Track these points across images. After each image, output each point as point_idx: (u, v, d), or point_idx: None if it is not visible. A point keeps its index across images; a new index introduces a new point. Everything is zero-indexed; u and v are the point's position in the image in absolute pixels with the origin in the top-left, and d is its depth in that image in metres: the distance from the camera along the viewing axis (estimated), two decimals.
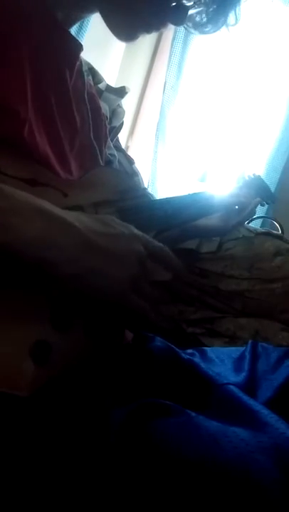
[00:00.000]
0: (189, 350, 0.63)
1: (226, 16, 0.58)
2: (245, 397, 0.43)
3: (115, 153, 0.74)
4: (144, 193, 0.61)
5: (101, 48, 1.44)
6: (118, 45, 1.80)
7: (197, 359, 0.57)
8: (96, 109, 0.65)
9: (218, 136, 2.05)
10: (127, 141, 2.13)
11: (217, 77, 2.03)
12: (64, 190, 0.51)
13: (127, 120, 2.05)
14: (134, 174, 0.79)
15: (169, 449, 0.35)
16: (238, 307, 1.10)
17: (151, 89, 2.18)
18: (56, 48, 0.55)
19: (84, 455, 0.37)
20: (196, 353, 0.62)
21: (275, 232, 1.36)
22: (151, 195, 0.79)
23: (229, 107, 2.04)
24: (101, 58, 1.54)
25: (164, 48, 2.11)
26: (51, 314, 0.42)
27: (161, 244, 0.50)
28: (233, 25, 0.60)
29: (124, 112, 0.77)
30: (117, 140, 0.79)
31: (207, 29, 0.60)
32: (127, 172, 0.77)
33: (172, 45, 1.98)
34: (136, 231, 0.47)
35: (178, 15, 0.55)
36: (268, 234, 1.20)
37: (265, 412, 0.39)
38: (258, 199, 0.92)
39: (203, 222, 0.77)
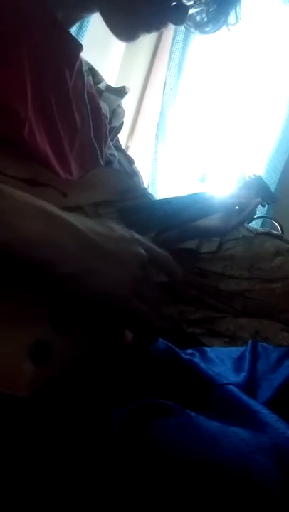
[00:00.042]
0: (189, 350, 0.63)
1: (226, 15, 0.58)
2: (245, 397, 0.43)
3: (115, 153, 0.74)
4: (144, 193, 0.61)
5: (101, 48, 1.44)
6: (118, 45, 1.80)
7: (197, 359, 0.57)
8: (96, 109, 0.65)
9: (218, 137, 2.05)
10: (127, 141, 2.13)
11: (217, 77, 2.03)
12: (64, 191, 0.51)
13: (127, 120, 2.05)
14: (134, 174, 0.79)
15: (169, 449, 0.35)
16: (238, 307, 1.11)
17: (151, 89, 2.18)
18: (56, 48, 0.55)
19: (84, 455, 0.37)
20: (196, 353, 0.62)
21: (275, 232, 1.36)
22: (151, 195, 0.78)
23: (229, 107, 2.04)
24: (101, 58, 1.54)
25: (164, 48, 2.11)
26: (50, 315, 0.42)
27: (162, 250, 0.49)
28: (233, 25, 0.60)
29: (124, 112, 0.77)
30: (117, 140, 0.79)
31: (208, 29, 0.60)
32: (127, 172, 0.77)
33: (172, 45, 1.98)
34: (137, 235, 0.47)
35: (178, 14, 0.55)
36: (267, 234, 1.20)
37: (265, 412, 0.39)
38: (259, 199, 0.91)
39: (203, 222, 0.77)
